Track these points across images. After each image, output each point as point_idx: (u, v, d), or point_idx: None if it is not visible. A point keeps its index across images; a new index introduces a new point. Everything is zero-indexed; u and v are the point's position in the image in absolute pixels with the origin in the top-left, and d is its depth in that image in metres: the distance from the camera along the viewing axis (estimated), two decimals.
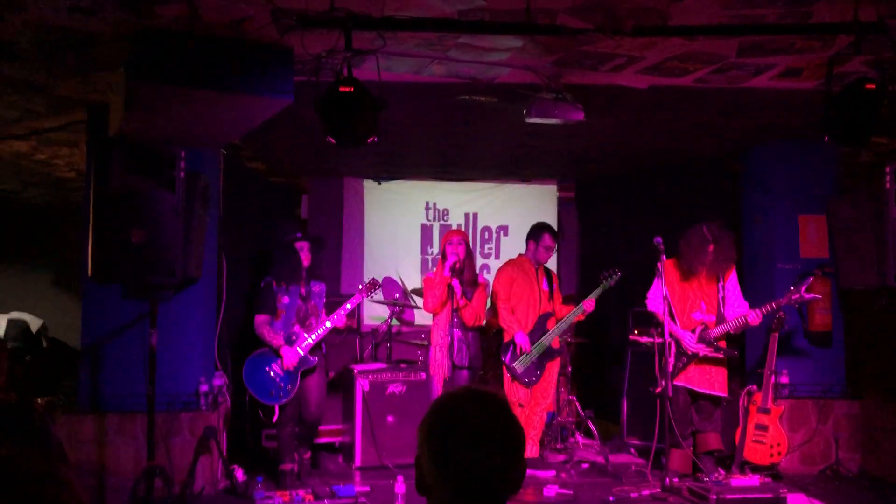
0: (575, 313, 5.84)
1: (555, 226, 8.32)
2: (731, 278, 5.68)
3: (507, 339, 5.89)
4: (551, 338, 5.87)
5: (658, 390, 5.33)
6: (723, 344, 5.59)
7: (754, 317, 5.40)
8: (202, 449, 5.14)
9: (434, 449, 1.48)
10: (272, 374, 5.39)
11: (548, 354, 5.89)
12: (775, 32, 3.93)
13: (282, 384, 5.37)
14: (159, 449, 4.94)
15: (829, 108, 3.93)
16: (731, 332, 5.59)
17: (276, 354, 5.40)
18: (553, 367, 6.01)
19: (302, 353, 5.41)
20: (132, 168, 4.37)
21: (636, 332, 6.13)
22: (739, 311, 5.53)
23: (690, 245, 5.53)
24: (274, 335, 5.40)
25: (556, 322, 5.92)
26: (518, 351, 5.79)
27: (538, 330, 5.89)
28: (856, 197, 5.51)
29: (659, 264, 5.33)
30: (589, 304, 5.82)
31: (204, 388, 5.34)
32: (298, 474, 5.49)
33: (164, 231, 4.41)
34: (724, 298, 5.61)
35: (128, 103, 4.31)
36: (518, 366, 5.79)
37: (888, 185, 4.96)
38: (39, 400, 5.69)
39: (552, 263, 8.18)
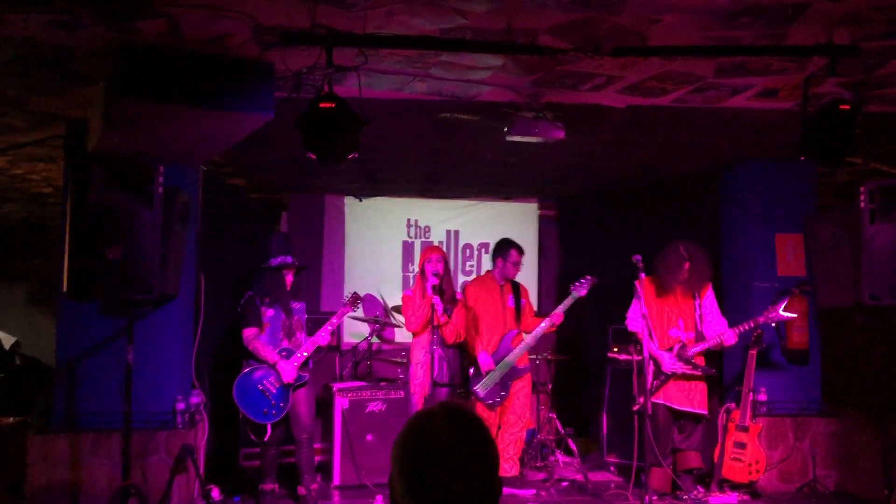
0: (543, 327, 5.79)
1: (536, 244, 8.42)
2: (708, 295, 5.72)
3: (471, 359, 5.83)
4: (516, 356, 5.79)
5: (636, 408, 5.34)
6: (701, 361, 5.62)
7: (730, 336, 5.45)
8: (178, 468, 5.06)
9: (405, 468, 1.47)
10: (265, 392, 5.31)
11: (513, 373, 5.81)
12: (751, 54, 3.98)
13: (275, 402, 5.31)
14: (135, 468, 4.86)
15: (805, 129, 4.00)
16: (709, 349, 5.62)
17: (268, 371, 5.34)
18: (522, 386, 5.95)
19: (296, 368, 5.38)
20: (110, 183, 4.33)
21: (615, 349, 6.14)
22: (717, 330, 5.57)
23: (666, 263, 5.58)
24: (268, 350, 5.34)
25: (523, 339, 5.87)
26: (482, 371, 5.72)
27: (503, 349, 5.83)
28: (832, 216, 5.57)
29: (637, 283, 5.35)
30: (557, 316, 5.76)
31: (181, 405, 5.27)
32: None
33: (141, 247, 4.36)
34: (701, 316, 5.66)
35: (107, 119, 4.29)
36: (480, 388, 5.69)
37: (863, 205, 5.02)
38: (12, 419, 5.57)
39: (533, 281, 8.26)
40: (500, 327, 5.91)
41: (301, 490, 5.47)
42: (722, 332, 5.48)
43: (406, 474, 1.46)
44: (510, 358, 5.78)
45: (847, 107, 3.88)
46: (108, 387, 5.06)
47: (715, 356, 6.17)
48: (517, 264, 6.03)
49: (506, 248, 6.05)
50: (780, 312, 5.43)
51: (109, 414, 5.00)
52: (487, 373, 5.71)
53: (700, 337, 5.59)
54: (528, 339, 5.86)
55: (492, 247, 6.41)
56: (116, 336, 5.10)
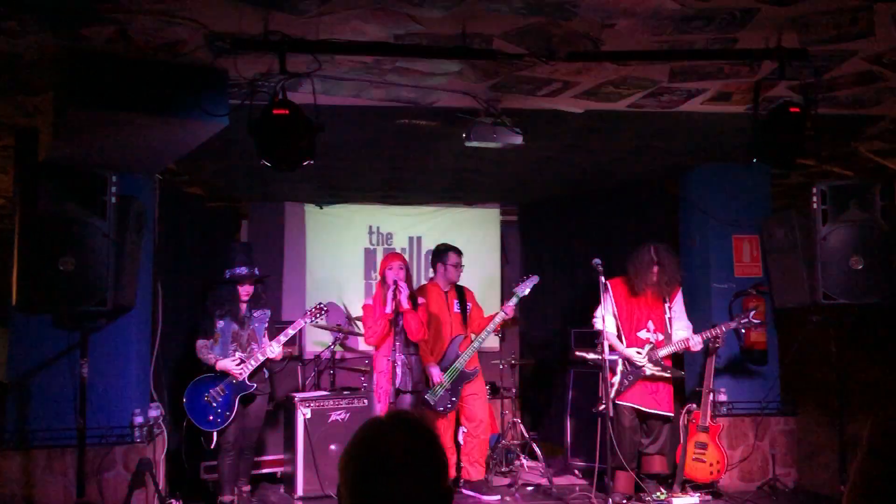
0: (495, 322, 5.82)
1: (498, 249, 8.44)
2: (678, 299, 5.77)
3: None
4: (465, 360, 5.81)
5: (601, 408, 5.36)
6: (669, 363, 5.66)
7: (697, 343, 5.50)
8: (137, 483, 4.95)
9: (351, 479, 1.45)
10: (210, 399, 5.35)
11: (462, 378, 5.83)
12: (703, 58, 4.03)
13: (219, 410, 5.34)
14: (91, 485, 4.76)
15: (757, 131, 4.06)
16: (677, 351, 5.66)
17: (215, 380, 5.36)
18: (477, 389, 5.95)
19: (243, 374, 5.35)
20: (61, 194, 4.24)
21: (577, 353, 6.15)
22: (682, 334, 5.62)
23: (636, 265, 5.62)
24: (209, 356, 5.39)
25: (471, 342, 5.89)
26: (430, 383, 5.73)
27: (450, 355, 5.84)
28: (787, 217, 5.67)
29: (602, 281, 5.38)
30: (508, 309, 5.81)
31: (139, 419, 5.18)
32: None
33: (94, 258, 4.28)
34: (670, 319, 5.70)
35: (57, 128, 4.21)
36: (429, 397, 5.71)
37: (815, 206, 5.11)
38: None
39: (496, 285, 8.28)
40: (448, 333, 5.92)
41: (233, 490, 5.51)
42: (687, 338, 5.53)
43: (352, 485, 1.44)
44: (458, 363, 5.80)
45: (797, 109, 3.95)
46: (62, 402, 4.94)
47: (677, 357, 6.23)
48: (458, 265, 6.04)
49: (443, 253, 6.06)
50: (751, 319, 5.51)
51: (64, 430, 4.88)
52: (439, 384, 5.72)
53: (669, 339, 5.63)
54: (477, 341, 5.88)
55: None
56: (70, 350, 4.98)
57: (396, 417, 1.53)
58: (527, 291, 5.89)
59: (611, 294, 5.62)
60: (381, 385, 5.52)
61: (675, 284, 5.70)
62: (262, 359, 5.43)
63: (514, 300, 5.85)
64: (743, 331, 6.10)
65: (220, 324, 5.44)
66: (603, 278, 5.40)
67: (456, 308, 6.03)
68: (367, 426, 1.52)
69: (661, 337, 5.63)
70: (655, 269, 5.57)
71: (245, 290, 5.52)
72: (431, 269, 6.30)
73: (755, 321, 5.53)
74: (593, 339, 5.77)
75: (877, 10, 3.56)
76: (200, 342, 5.44)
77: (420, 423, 1.51)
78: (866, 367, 5.98)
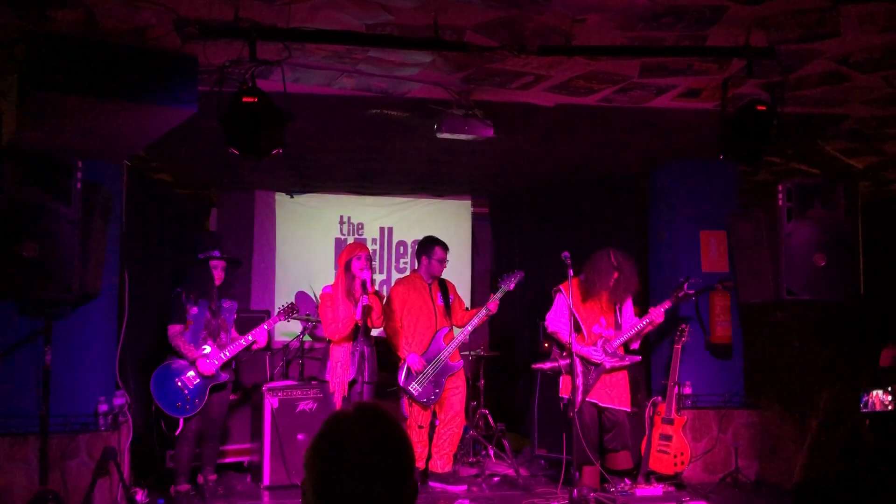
0: (478, 316, 5.83)
1: (469, 241, 8.45)
2: (627, 304, 5.82)
3: (401, 360, 5.82)
4: (448, 353, 5.80)
5: (570, 414, 5.38)
6: (621, 351, 5.70)
7: (658, 314, 5.54)
8: (101, 472, 4.90)
9: (315, 473, 1.44)
10: (181, 385, 5.30)
11: (446, 370, 5.82)
12: (673, 54, 4.08)
13: (189, 397, 5.31)
14: (54, 473, 4.71)
15: (725, 128, 4.11)
16: (630, 338, 5.68)
17: (188, 366, 5.33)
18: (458, 384, 5.96)
19: (216, 366, 5.34)
20: (25, 179, 4.16)
21: (546, 345, 6.19)
22: (632, 322, 5.69)
23: (595, 269, 5.64)
24: (189, 347, 5.33)
25: (454, 335, 5.89)
26: (413, 373, 5.73)
27: (434, 347, 5.83)
28: (754, 214, 5.74)
29: (562, 287, 5.42)
30: (493, 304, 5.80)
31: (103, 407, 5.12)
32: (203, 495, 5.34)
33: (59, 245, 4.22)
34: (620, 311, 5.77)
35: (20, 112, 4.13)
36: (413, 388, 5.70)
37: (780, 203, 5.18)
38: None
39: (466, 277, 8.29)
40: (431, 326, 5.90)
41: (199, 479, 5.52)
42: (647, 317, 5.57)
43: (316, 480, 1.43)
44: (443, 355, 5.78)
45: (763, 107, 4.01)
46: (25, 389, 4.85)
47: (642, 350, 6.30)
48: (442, 261, 6.03)
49: (430, 246, 6.04)
50: (686, 290, 5.56)
51: (26, 417, 4.79)
52: (418, 373, 5.71)
53: (619, 328, 5.67)
54: (461, 334, 5.87)
55: None
56: (34, 337, 4.91)
57: (362, 411, 1.52)
58: (512, 286, 5.89)
59: (568, 294, 5.65)
60: (336, 374, 5.48)
61: (632, 290, 5.74)
62: (244, 345, 5.44)
63: (498, 294, 5.83)
64: (707, 323, 6.19)
65: (194, 310, 5.39)
66: (571, 272, 5.43)
67: (440, 301, 6.01)
68: (331, 420, 1.51)
69: (612, 331, 5.67)
70: (615, 274, 5.60)
71: (218, 275, 5.48)
72: (404, 259, 6.29)
73: (690, 291, 5.59)
74: (551, 337, 5.79)
75: (843, 11, 3.63)
76: (174, 329, 5.35)
77: (386, 416, 1.50)
78: (828, 362, 6.10)
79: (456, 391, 5.94)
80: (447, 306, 6.03)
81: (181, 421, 5.31)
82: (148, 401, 5.41)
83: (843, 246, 5.13)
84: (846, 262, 5.11)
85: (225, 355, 5.38)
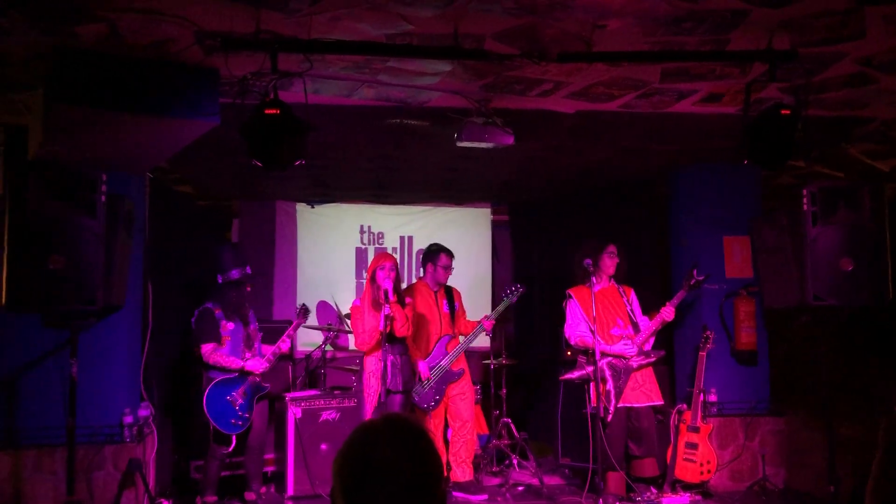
0: (476, 333, 5.90)
1: (489, 248, 8.44)
2: (633, 297, 5.81)
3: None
4: (451, 360, 5.86)
5: (609, 416, 5.36)
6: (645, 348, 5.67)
7: (668, 312, 5.53)
8: (126, 483, 4.94)
9: (345, 483, 1.44)
10: (231, 401, 5.35)
11: (448, 377, 5.88)
12: (694, 59, 4.04)
13: (240, 412, 5.37)
14: (80, 484, 4.74)
15: (748, 133, 4.07)
16: (654, 332, 5.67)
17: (235, 382, 5.38)
18: (463, 390, 5.97)
19: (265, 367, 5.44)
20: (51, 192, 4.21)
21: (568, 353, 6.14)
22: (645, 323, 5.65)
23: (596, 253, 5.69)
24: (231, 358, 5.38)
25: (458, 344, 5.94)
26: (417, 379, 5.77)
27: (438, 354, 5.90)
28: (777, 219, 5.68)
29: (593, 281, 5.40)
30: (488, 323, 5.91)
31: (129, 419, 5.15)
32: None
33: (84, 257, 4.26)
34: (632, 311, 5.73)
35: (47, 126, 4.19)
36: (414, 394, 5.75)
37: (805, 207, 5.13)
38: None
39: (487, 284, 8.28)
40: (436, 333, 5.97)
41: (250, 496, 5.54)
42: (659, 314, 5.55)
43: (346, 490, 1.43)
44: (445, 362, 5.86)
45: (787, 111, 3.97)
46: (51, 401, 4.91)
47: (666, 357, 6.25)
48: (447, 268, 6.06)
49: (435, 254, 6.08)
50: (697, 278, 5.57)
51: (53, 429, 4.85)
52: (427, 380, 5.78)
53: (638, 329, 5.65)
54: (463, 343, 5.93)
55: None
56: (60, 349, 4.96)
57: (390, 421, 1.53)
58: (514, 300, 6.01)
59: (578, 301, 5.64)
60: (370, 385, 5.53)
61: (624, 285, 5.81)
62: (281, 351, 5.54)
63: (500, 308, 5.95)
64: (732, 329, 6.13)
65: (230, 326, 5.46)
66: (594, 279, 5.41)
67: (445, 308, 6.06)
68: (360, 430, 1.51)
69: (631, 331, 5.65)
70: (616, 261, 5.69)
71: (248, 290, 5.55)
72: (422, 269, 6.30)
73: (700, 278, 5.55)
74: (574, 349, 5.77)
75: (867, 12, 3.58)
76: (207, 347, 5.38)
77: (414, 426, 1.51)
78: (856, 368, 6.01)
79: (462, 398, 5.95)
80: (452, 314, 6.06)
81: (234, 438, 5.35)
82: (172, 411, 5.44)
83: (869, 249, 5.06)
84: (873, 266, 5.04)
85: (267, 363, 5.46)
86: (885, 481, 1.64)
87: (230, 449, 5.37)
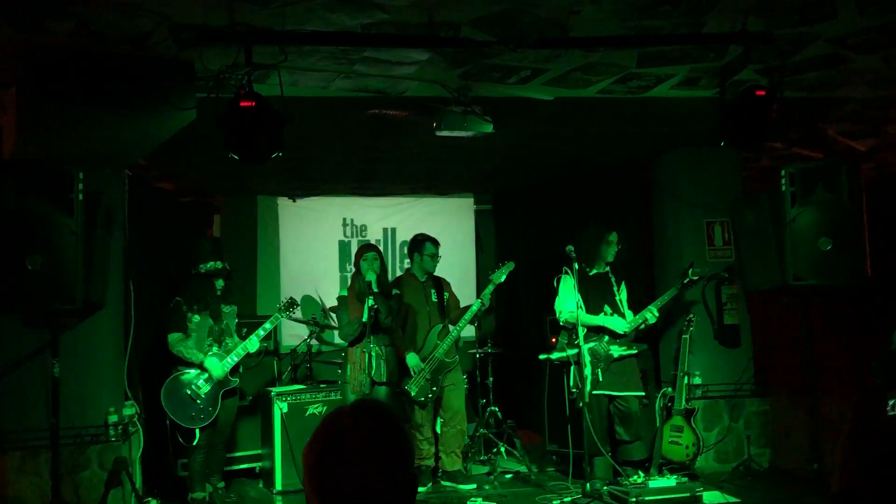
0: (472, 311, 5.84)
1: (473, 238, 8.44)
2: (623, 288, 5.84)
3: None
4: (444, 350, 5.82)
5: (582, 402, 5.38)
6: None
7: (652, 315, 5.56)
8: (113, 482, 4.90)
9: (312, 470, 1.43)
10: (193, 396, 5.27)
11: (441, 368, 5.84)
12: (670, 43, 4.06)
13: (202, 406, 5.27)
14: (66, 485, 4.71)
15: (724, 115, 4.09)
16: (636, 328, 5.70)
17: (197, 374, 5.29)
18: (453, 380, 5.95)
19: (225, 370, 5.33)
20: (26, 191, 4.17)
21: (553, 340, 6.17)
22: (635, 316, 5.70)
23: (596, 241, 5.71)
24: (192, 352, 5.31)
25: (449, 332, 5.91)
26: (411, 372, 5.75)
27: (429, 345, 5.85)
28: (756, 201, 5.71)
29: (576, 267, 5.41)
30: (485, 297, 5.85)
31: (113, 418, 5.12)
32: (213, 502, 5.34)
33: (63, 256, 4.22)
34: (622, 301, 5.75)
35: (21, 124, 4.14)
36: (410, 388, 5.72)
37: (784, 188, 5.16)
38: None
39: (472, 274, 8.29)
40: (426, 323, 5.93)
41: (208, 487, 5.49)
42: (644, 311, 5.59)
43: (314, 476, 1.42)
44: (438, 353, 5.80)
45: (763, 93, 3.98)
46: (34, 403, 4.84)
47: (651, 341, 6.30)
48: (434, 256, 6.04)
49: (420, 243, 6.06)
50: (691, 277, 5.60)
51: (37, 431, 4.79)
52: (417, 372, 5.72)
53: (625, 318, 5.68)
54: (455, 331, 5.90)
55: None
56: (41, 349, 4.91)
57: (356, 405, 1.52)
58: (503, 278, 5.90)
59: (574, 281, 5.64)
60: (355, 377, 5.50)
61: (621, 274, 5.83)
62: (242, 354, 5.41)
63: (489, 287, 5.86)
64: (715, 312, 6.18)
65: (197, 318, 5.38)
66: (576, 265, 5.42)
67: (434, 298, 6.03)
68: (328, 415, 1.51)
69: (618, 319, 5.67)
70: (613, 249, 5.70)
71: (218, 285, 5.47)
72: (408, 259, 6.29)
73: (694, 277, 5.59)
74: (562, 330, 5.77)
75: None
76: (174, 337, 5.34)
77: (382, 409, 1.50)
78: (837, 347, 6.07)
79: (453, 388, 5.94)
80: (441, 303, 6.03)
81: (197, 432, 5.26)
82: (158, 410, 5.40)
83: (848, 229, 5.10)
84: (852, 245, 5.09)
85: (232, 359, 5.37)
86: (852, 457, 1.65)
87: (193, 443, 5.28)
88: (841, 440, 1.72)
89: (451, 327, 5.96)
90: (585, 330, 5.50)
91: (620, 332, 5.58)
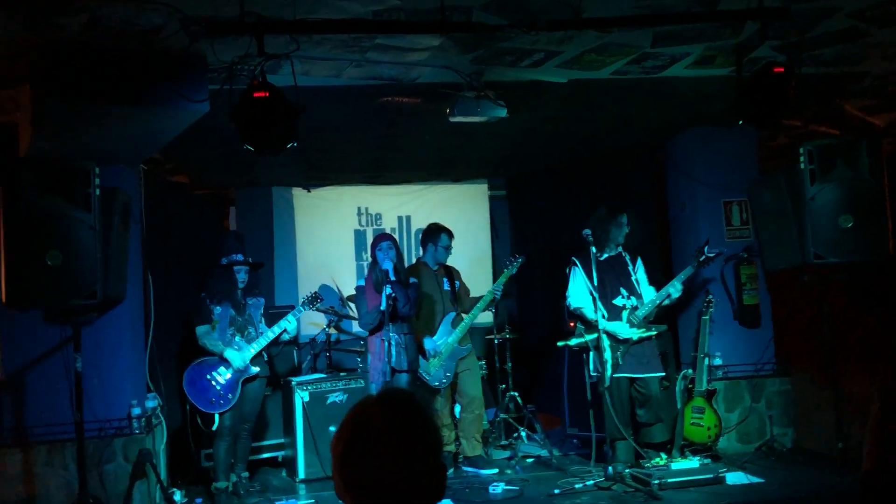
0: (485, 300, 5.90)
1: (488, 224, 8.42)
2: (639, 266, 5.80)
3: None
4: (458, 337, 5.87)
5: (602, 386, 5.36)
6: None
7: (676, 288, 5.51)
8: (138, 474, 4.96)
9: (339, 460, 1.44)
10: (213, 381, 5.33)
11: (456, 354, 5.89)
12: (684, 21, 4.00)
13: (222, 392, 5.33)
14: (92, 477, 4.77)
15: (741, 93, 4.03)
16: (658, 305, 5.65)
17: (218, 362, 5.36)
18: (469, 366, 6.00)
19: (245, 360, 5.37)
20: (43, 188, 4.19)
21: (571, 325, 6.14)
22: (655, 292, 5.64)
23: (608, 224, 5.65)
24: (216, 343, 5.37)
25: (462, 320, 5.95)
26: (426, 357, 5.78)
27: (443, 332, 5.89)
28: (774, 179, 5.65)
29: (593, 251, 5.38)
30: (497, 290, 5.93)
31: (136, 410, 5.17)
32: (237, 492, 5.38)
33: (81, 251, 4.24)
34: (637, 280, 5.71)
35: (35, 121, 4.16)
36: (425, 373, 5.76)
37: (803, 166, 5.11)
38: None
39: (487, 261, 8.28)
40: (439, 311, 5.97)
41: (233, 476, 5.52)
42: (668, 285, 5.53)
43: (342, 466, 1.43)
44: (451, 339, 5.85)
45: (781, 69, 3.92)
46: (58, 397, 4.90)
47: (670, 323, 6.26)
48: (448, 248, 6.06)
49: (436, 233, 6.06)
50: (707, 254, 5.51)
51: (62, 425, 4.86)
52: (432, 357, 5.76)
53: (641, 299, 5.64)
54: (468, 318, 5.93)
55: None
56: (63, 344, 4.96)
57: (384, 395, 1.52)
58: (514, 271, 6.00)
59: (582, 269, 5.60)
60: (375, 366, 5.53)
61: (635, 252, 5.80)
62: (271, 337, 5.46)
63: (501, 279, 5.94)
64: (734, 292, 6.14)
65: (218, 310, 5.43)
66: (594, 248, 5.39)
67: (446, 286, 6.05)
68: (356, 406, 1.51)
69: (635, 301, 5.63)
70: (625, 231, 5.67)
71: (241, 279, 5.51)
72: (421, 248, 6.29)
73: (711, 255, 5.54)
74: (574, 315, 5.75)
75: None
76: (201, 329, 5.41)
77: (410, 400, 1.50)
78: (859, 325, 6.01)
79: (468, 374, 5.99)
80: (454, 292, 6.05)
81: (216, 416, 5.33)
82: (180, 401, 5.45)
83: (868, 205, 5.05)
84: (873, 222, 5.03)
85: (253, 349, 5.40)
86: (882, 436, 1.62)
87: (213, 428, 5.35)
88: (870, 420, 1.69)
89: (464, 315, 5.99)
90: (606, 313, 5.48)
91: (625, 336, 5.53)
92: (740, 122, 4.17)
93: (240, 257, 5.52)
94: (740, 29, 4.21)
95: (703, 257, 5.58)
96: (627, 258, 5.77)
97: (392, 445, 1.42)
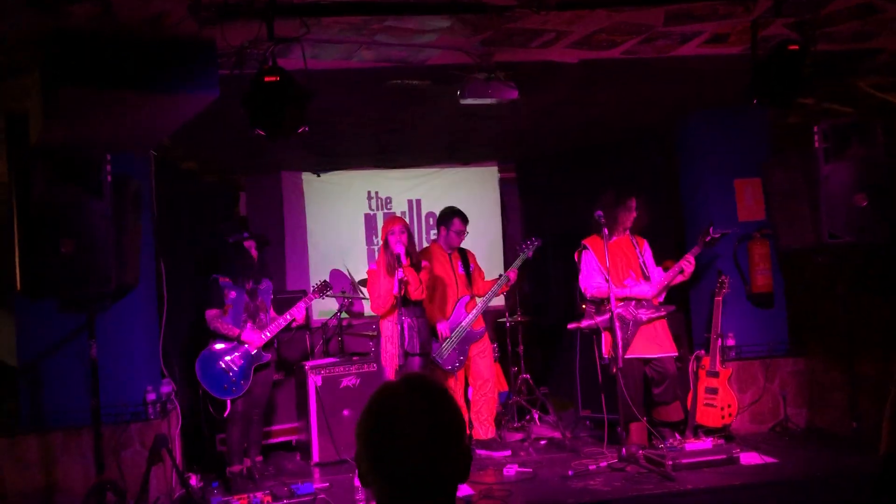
0: (499, 285, 5.91)
1: (498, 207, 8.40)
2: (646, 249, 5.77)
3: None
4: (471, 321, 5.87)
5: (614, 369, 5.36)
6: (655, 301, 5.65)
7: (687, 263, 5.48)
8: (154, 459, 4.99)
9: (367, 445, 1.45)
10: (226, 367, 5.35)
11: (470, 338, 5.89)
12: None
13: (234, 378, 5.35)
14: (109, 463, 4.80)
15: (755, 72, 3.99)
16: (670, 284, 5.64)
17: (232, 347, 5.38)
18: (483, 349, 6.01)
19: (260, 343, 5.41)
20: (56, 176, 4.19)
21: (583, 307, 6.13)
22: (658, 276, 5.61)
23: (616, 207, 5.62)
24: (229, 326, 5.37)
25: (476, 303, 5.94)
26: (440, 339, 5.79)
27: (456, 316, 5.89)
28: (788, 159, 5.60)
29: (605, 233, 5.36)
30: (512, 273, 5.92)
31: (151, 396, 5.21)
32: (252, 476, 5.42)
33: (94, 239, 4.25)
34: (644, 263, 5.70)
35: (46, 109, 4.15)
36: (438, 356, 5.77)
37: (817, 145, 5.06)
38: None
39: (498, 244, 8.26)
40: (453, 294, 5.97)
41: (247, 462, 5.55)
42: (679, 264, 5.50)
43: (369, 451, 1.44)
44: (465, 323, 5.86)
45: (795, 47, 3.88)
46: (74, 383, 4.97)
47: (682, 304, 6.24)
48: (461, 233, 6.04)
49: (449, 217, 6.05)
50: (713, 235, 5.51)
51: (78, 411, 4.92)
52: (445, 340, 5.77)
53: (649, 281, 5.62)
54: (482, 302, 5.93)
55: None
56: (78, 331, 5.01)
57: (408, 379, 1.53)
58: (530, 254, 5.98)
59: (594, 252, 5.59)
60: (387, 350, 5.54)
61: (642, 236, 5.79)
62: (283, 324, 5.47)
63: (517, 263, 5.92)
64: (747, 273, 6.11)
65: (233, 294, 5.44)
66: (607, 230, 5.38)
67: (460, 269, 6.05)
68: (380, 391, 1.52)
69: (643, 283, 5.61)
70: (633, 214, 5.64)
71: (254, 254, 5.53)
72: (434, 231, 6.28)
73: (716, 236, 5.51)
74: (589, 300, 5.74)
75: None
76: (211, 312, 5.40)
77: (434, 384, 1.51)
78: (874, 305, 5.98)
79: (481, 357, 6.00)
80: (468, 275, 6.05)
81: (228, 403, 5.36)
82: (194, 386, 5.48)
83: (884, 185, 5.00)
84: (889, 202, 4.98)
85: (266, 335, 5.42)
86: None
87: (225, 415, 5.36)
88: (887, 405, 1.69)
89: (477, 299, 5.98)
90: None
91: (649, 296, 5.54)
92: (755, 101, 4.12)
93: (245, 235, 5.53)
94: (753, 6, 4.15)
95: (709, 238, 5.55)
96: (634, 241, 5.75)
97: (420, 431, 1.42)
